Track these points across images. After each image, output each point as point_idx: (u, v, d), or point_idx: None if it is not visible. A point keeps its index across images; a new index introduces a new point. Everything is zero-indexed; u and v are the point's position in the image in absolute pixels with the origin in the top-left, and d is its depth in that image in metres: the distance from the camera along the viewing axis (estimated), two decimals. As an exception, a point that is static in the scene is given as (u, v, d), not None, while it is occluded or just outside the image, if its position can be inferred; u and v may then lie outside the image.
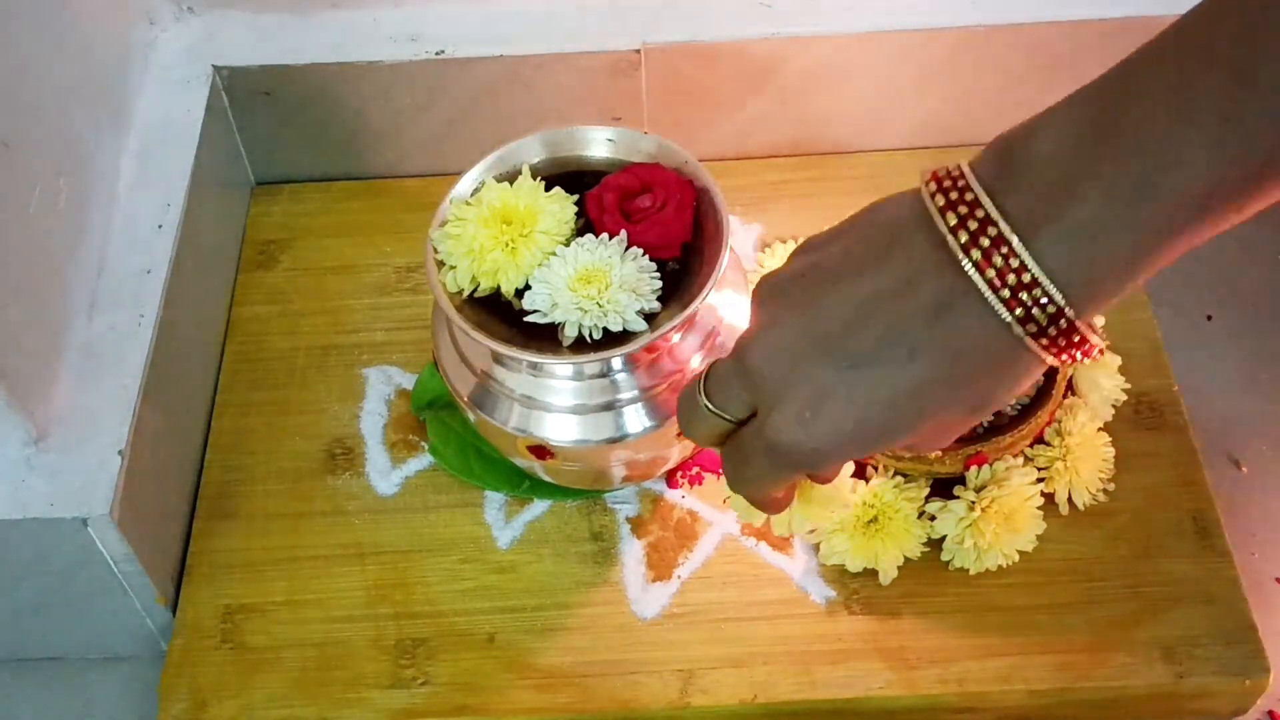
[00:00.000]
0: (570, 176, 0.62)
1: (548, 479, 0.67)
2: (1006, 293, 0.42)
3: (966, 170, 0.43)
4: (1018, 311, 0.42)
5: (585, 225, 0.61)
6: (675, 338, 0.60)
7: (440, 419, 0.71)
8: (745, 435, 0.50)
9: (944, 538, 0.65)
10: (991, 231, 0.41)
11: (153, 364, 0.66)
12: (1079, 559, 0.66)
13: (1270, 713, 0.65)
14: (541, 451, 0.62)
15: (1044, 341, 0.42)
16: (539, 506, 0.69)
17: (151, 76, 0.77)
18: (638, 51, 0.76)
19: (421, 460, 0.71)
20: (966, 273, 0.42)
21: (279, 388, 0.74)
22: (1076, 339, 0.42)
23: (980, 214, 0.42)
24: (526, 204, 0.59)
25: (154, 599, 0.66)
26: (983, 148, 0.43)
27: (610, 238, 0.59)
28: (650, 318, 0.58)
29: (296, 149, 0.81)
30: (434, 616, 0.66)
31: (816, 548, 0.66)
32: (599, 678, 0.63)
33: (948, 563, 0.65)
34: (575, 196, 0.61)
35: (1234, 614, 0.64)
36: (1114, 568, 0.65)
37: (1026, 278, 0.41)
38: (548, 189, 0.61)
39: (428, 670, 0.64)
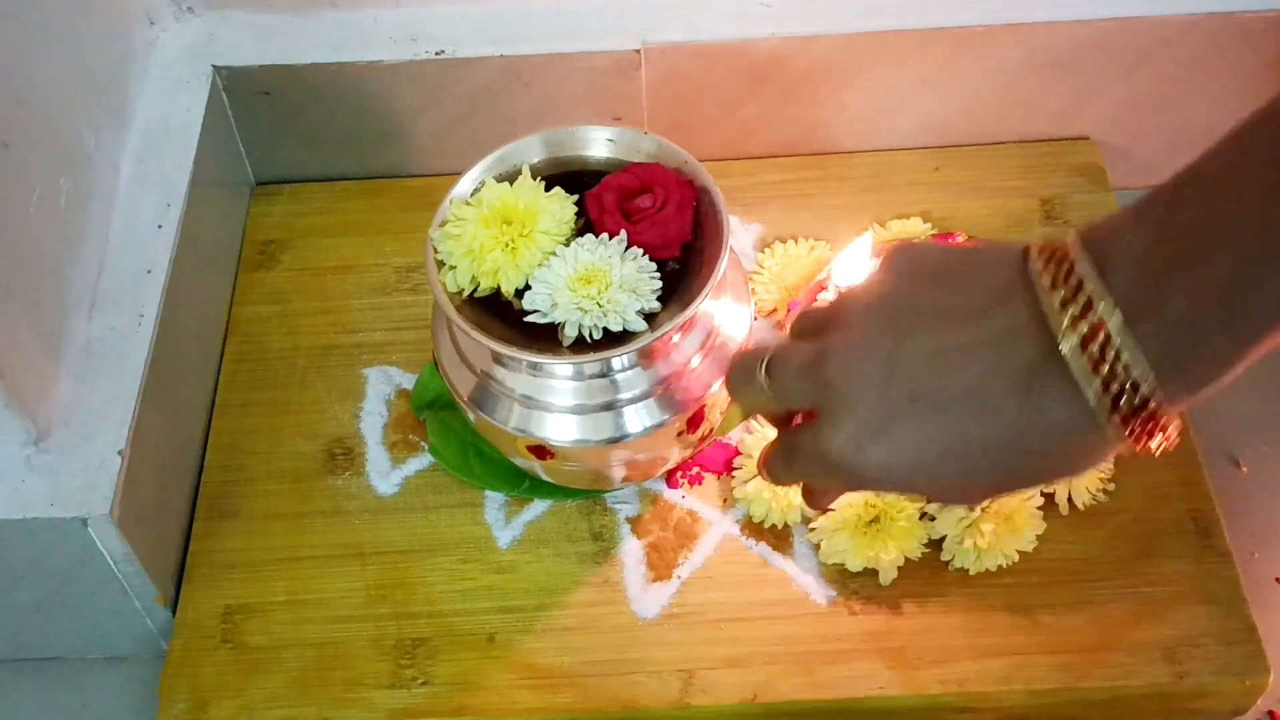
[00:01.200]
0: (570, 176, 0.62)
1: (548, 479, 0.67)
2: (1099, 382, 0.41)
3: (1076, 249, 0.42)
4: (1107, 398, 0.42)
5: (585, 225, 0.61)
6: (675, 338, 0.60)
7: (440, 419, 0.71)
8: (800, 437, 0.50)
9: (944, 538, 0.65)
10: (1093, 316, 0.41)
11: (153, 364, 0.66)
12: (1079, 559, 0.66)
13: (1270, 713, 0.65)
14: (541, 451, 0.62)
15: (1125, 427, 0.42)
16: (539, 506, 0.69)
17: (151, 76, 0.77)
18: (638, 51, 0.76)
19: (421, 460, 0.71)
20: (1061, 351, 0.42)
21: (279, 388, 0.74)
22: (1158, 427, 0.42)
23: (1083, 298, 0.41)
24: (526, 204, 0.59)
25: (154, 599, 0.66)
26: (1078, 235, 0.43)
27: (610, 238, 0.59)
28: (650, 318, 0.58)
29: (296, 149, 0.81)
30: (434, 616, 0.66)
31: (817, 547, 0.66)
32: (599, 678, 0.63)
33: (948, 563, 0.65)
34: (575, 196, 0.61)
35: (1234, 614, 0.64)
36: (1114, 568, 0.65)
37: (1122, 364, 0.41)
38: (548, 189, 0.61)
39: (428, 670, 0.64)
